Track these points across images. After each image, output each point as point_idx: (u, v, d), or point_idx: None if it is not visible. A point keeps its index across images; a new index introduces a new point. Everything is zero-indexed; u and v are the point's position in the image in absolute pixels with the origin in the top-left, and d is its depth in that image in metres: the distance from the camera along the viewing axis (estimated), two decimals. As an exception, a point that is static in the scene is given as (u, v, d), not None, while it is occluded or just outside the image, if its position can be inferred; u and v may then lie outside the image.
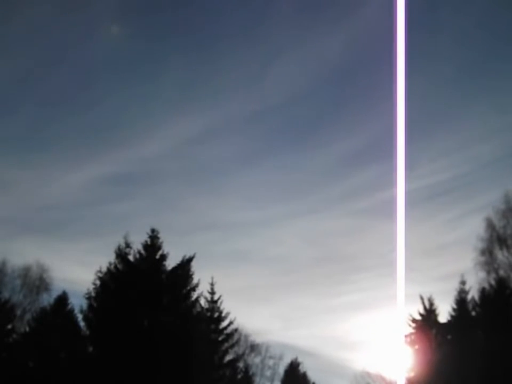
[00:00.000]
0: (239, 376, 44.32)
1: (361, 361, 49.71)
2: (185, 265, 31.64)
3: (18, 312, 41.56)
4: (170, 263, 31.56)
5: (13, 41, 57.62)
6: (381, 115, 52.24)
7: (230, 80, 61.32)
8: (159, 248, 31.72)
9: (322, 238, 62.94)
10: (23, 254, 44.10)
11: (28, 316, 41.04)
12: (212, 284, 40.88)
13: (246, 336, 50.56)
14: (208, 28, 60.46)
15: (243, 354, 49.38)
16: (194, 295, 31.96)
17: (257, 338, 51.16)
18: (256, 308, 60.33)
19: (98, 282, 30.93)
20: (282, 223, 62.97)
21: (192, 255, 31.78)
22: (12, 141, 58.14)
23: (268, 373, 55.95)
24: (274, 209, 62.24)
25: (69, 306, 37.43)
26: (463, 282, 37.61)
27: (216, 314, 40.28)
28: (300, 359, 58.34)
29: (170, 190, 62.25)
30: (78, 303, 33.41)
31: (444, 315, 38.84)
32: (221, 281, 51.24)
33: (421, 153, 56.46)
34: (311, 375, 58.58)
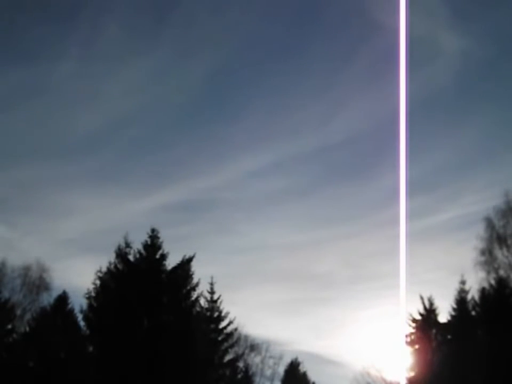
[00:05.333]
0: (239, 376, 44.35)
1: (361, 361, 49.90)
2: (185, 265, 31.62)
3: (18, 312, 41.50)
4: (170, 263, 31.60)
5: (104, 93, 66.62)
6: (426, 153, 62.85)
7: (299, 122, 70.16)
8: (159, 248, 31.68)
9: (360, 259, 68.70)
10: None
11: (27, 316, 40.98)
12: (211, 284, 40.98)
13: (246, 336, 50.59)
14: (289, 77, 69.28)
15: (243, 354, 49.39)
16: (194, 295, 31.98)
17: (287, 347, 56.43)
18: (291, 320, 67.68)
19: (98, 282, 30.93)
20: (324, 245, 69.85)
21: (192, 255, 31.83)
22: (91, 174, 66.08)
23: (268, 372, 56.00)
24: (319, 233, 68.77)
25: (69, 306, 37.47)
26: (463, 282, 37.61)
27: (216, 314, 40.33)
28: (310, 363, 60.61)
29: (226, 216, 69.39)
30: (78, 302, 33.57)
31: (444, 315, 38.93)
32: (263, 295, 63.47)
33: (469, 184, 63.90)
34: (315, 378, 59.55)
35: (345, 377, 50.78)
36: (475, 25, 62.88)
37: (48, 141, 67.59)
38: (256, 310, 64.72)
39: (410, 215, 58.34)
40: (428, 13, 58.02)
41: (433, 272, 54.70)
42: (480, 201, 62.28)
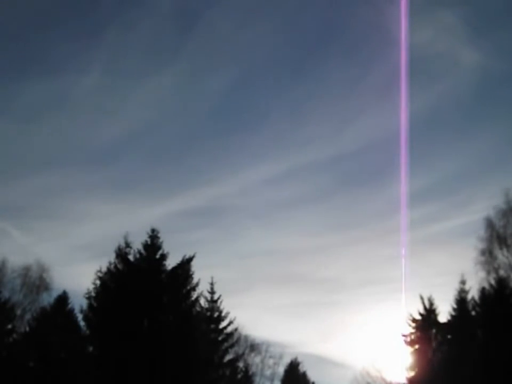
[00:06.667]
0: (239, 376, 44.38)
1: (361, 361, 50.02)
2: (185, 265, 31.59)
3: (18, 312, 41.53)
4: (170, 263, 31.57)
5: (125, 106, 71.41)
6: (438, 162, 66.70)
7: (314, 133, 74.14)
8: (159, 248, 31.64)
9: (370, 264, 71.10)
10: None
11: (27, 316, 41.03)
12: (211, 284, 41.01)
13: (246, 336, 50.63)
14: (305, 91, 73.47)
15: (243, 353, 49.43)
16: (194, 295, 31.94)
17: (293, 350, 59.76)
18: (298, 323, 69.47)
19: (98, 282, 30.91)
20: (335, 250, 72.18)
21: (192, 254, 31.80)
22: (108, 182, 70.21)
23: (268, 372, 56.08)
24: (330, 239, 71.38)
25: (69, 306, 37.48)
26: (463, 282, 37.61)
27: (216, 314, 40.35)
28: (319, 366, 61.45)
29: (238, 222, 72.61)
30: (78, 302, 33.63)
31: (444, 315, 38.93)
32: (272, 298, 67.79)
33: (479, 192, 65.45)
34: (320, 379, 60.14)
35: (348, 378, 51.32)
36: (492, 40, 66.52)
37: (68, 151, 72.21)
38: (265, 313, 67.35)
39: (421, 221, 61.26)
40: (448, 30, 63.59)
41: (442, 277, 56.31)
42: (490, 209, 64.53)
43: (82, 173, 67.80)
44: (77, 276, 49.30)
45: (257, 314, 64.35)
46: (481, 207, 62.35)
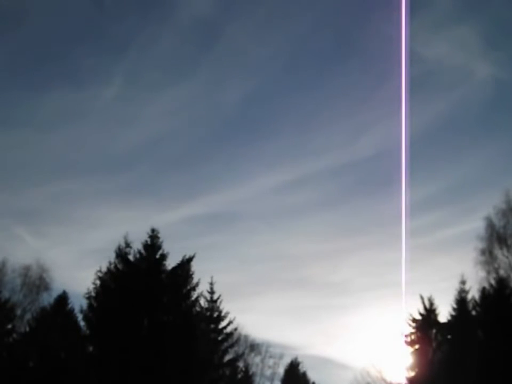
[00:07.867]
0: (239, 376, 44.43)
1: (361, 361, 50.02)
2: (185, 265, 31.59)
3: (18, 312, 41.56)
4: (170, 263, 31.57)
5: (142, 116, 72.81)
6: (447, 169, 68.31)
7: (324, 143, 74.97)
8: (159, 247, 31.62)
9: (377, 268, 72.18)
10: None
11: (27, 316, 41.05)
12: (211, 284, 41.00)
13: (246, 336, 50.66)
14: (316, 100, 75.39)
15: (243, 353, 49.46)
16: (194, 295, 31.92)
17: (299, 351, 61.12)
18: (303, 325, 71.90)
19: (98, 282, 30.90)
20: (342, 254, 74.20)
21: (192, 254, 31.81)
22: (121, 189, 71.96)
23: (268, 372, 56.13)
24: (337, 244, 72.63)
25: (69, 306, 37.49)
26: (463, 282, 37.61)
27: (215, 314, 40.34)
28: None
29: (249, 227, 73.53)
30: (78, 302, 33.67)
31: (444, 315, 38.94)
32: (280, 301, 68.73)
33: (486, 199, 64.18)
34: (322, 380, 60.54)
35: (349, 378, 51.48)
36: (506, 52, 66.25)
37: (85, 159, 73.92)
38: (272, 316, 68.67)
39: (427, 227, 61.81)
40: (462, 44, 64.66)
41: (446, 282, 56.70)
42: (490, 209, 65.15)
43: (97, 180, 69.68)
44: (86, 280, 50.02)
45: (265, 317, 65.91)
46: (487, 214, 64.88)
